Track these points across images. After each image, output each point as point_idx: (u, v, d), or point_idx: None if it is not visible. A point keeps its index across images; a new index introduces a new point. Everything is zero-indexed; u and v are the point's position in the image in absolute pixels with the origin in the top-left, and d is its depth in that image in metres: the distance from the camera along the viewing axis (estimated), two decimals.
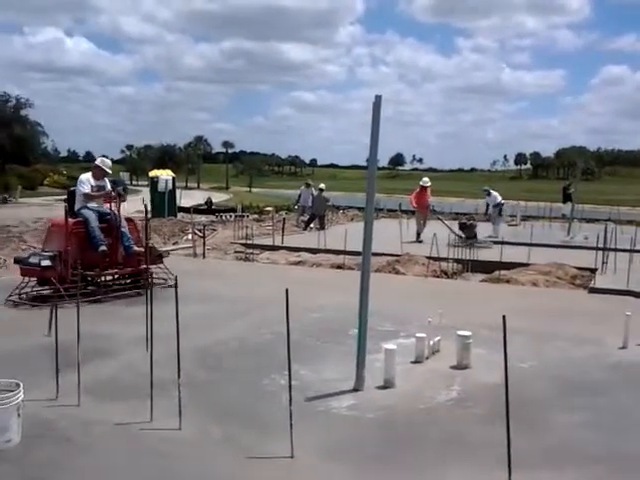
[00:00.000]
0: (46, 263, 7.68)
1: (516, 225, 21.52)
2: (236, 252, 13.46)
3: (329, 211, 21.59)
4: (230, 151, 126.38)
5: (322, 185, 20.66)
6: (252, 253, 12.73)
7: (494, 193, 17.94)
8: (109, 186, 8.64)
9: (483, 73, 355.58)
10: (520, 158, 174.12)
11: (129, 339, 5.95)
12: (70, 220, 7.94)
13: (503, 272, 10.60)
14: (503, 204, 18.13)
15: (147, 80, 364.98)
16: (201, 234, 14.09)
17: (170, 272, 8.64)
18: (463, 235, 14.52)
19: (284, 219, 18.37)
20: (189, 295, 8.22)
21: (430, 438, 4.02)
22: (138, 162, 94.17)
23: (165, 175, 25.65)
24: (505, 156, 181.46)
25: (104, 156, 9.61)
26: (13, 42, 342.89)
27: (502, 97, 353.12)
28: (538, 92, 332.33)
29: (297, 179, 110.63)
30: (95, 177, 8.51)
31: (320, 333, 6.46)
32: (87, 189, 8.37)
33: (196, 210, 23.70)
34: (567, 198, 22.28)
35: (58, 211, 27.82)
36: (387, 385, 4.90)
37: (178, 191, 27.07)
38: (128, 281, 8.71)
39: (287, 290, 3.65)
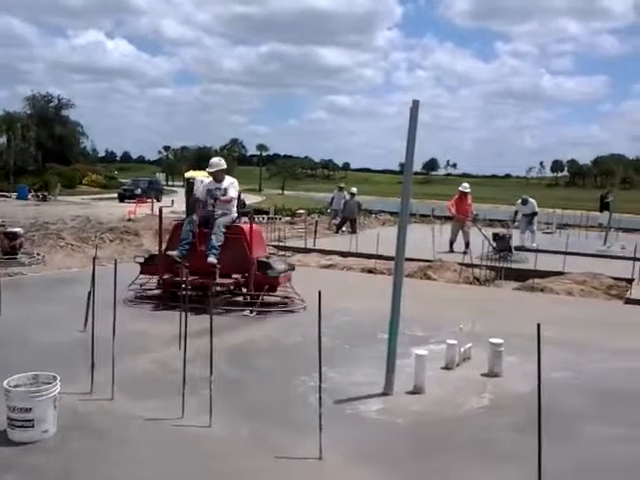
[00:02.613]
0: (140, 260, 8.14)
1: (552, 233, 21.20)
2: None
3: (361, 215, 21.58)
4: (264, 154, 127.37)
5: (354, 189, 20.67)
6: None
7: (532, 201, 16.86)
8: (224, 188, 8.14)
9: (522, 78, 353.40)
10: (557, 165, 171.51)
11: (163, 337, 6.04)
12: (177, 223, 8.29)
13: (537, 280, 10.45)
14: (537, 213, 17.29)
15: (185, 82, 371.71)
16: None
17: (296, 294, 7.88)
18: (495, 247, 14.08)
19: (316, 222, 18.43)
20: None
21: (459, 445, 4.00)
22: (174, 163, 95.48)
23: (201, 176, 25.91)
24: (541, 163, 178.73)
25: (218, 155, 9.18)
26: (57, 44, 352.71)
27: (540, 103, 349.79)
28: (578, 98, 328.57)
29: (330, 182, 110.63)
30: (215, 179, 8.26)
31: (350, 336, 6.47)
32: (197, 194, 8.34)
33: None
34: (604, 207, 21.80)
35: (95, 209, 28.34)
36: (417, 391, 4.88)
37: None
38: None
39: (320, 292, 3.67)
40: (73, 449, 3.68)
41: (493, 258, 12.19)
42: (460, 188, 15.57)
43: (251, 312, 7.37)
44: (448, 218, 18.85)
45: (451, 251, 14.26)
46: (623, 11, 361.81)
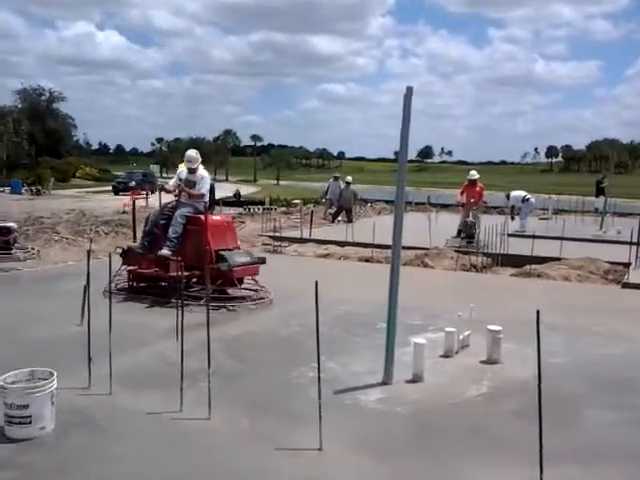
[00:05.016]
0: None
1: (548, 219, 21.20)
2: (264, 244, 13.51)
3: (357, 204, 21.51)
4: (258, 144, 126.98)
5: (349, 178, 20.58)
6: (280, 245, 12.76)
7: (514, 194, 16.66)
8: (196, 180, 8.02)
9: (515, 64, 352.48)
10: (551, 151, 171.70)
11: (160, 329, 6.01)
12: None
13: (534, 266, 10.44)
14: (529, 198, 17.06)
15: (177, 73, 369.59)
16: None
17: (261, 287, 7.75)
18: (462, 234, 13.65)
19: (312, 212, 18.37)
20: None
21: (459, 433, 3.99)
22: (168, 155, 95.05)
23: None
24: (536, 149, 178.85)
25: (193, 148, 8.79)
26: (46, 36, 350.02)
27: (534, 89, 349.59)
28: (571, 83, 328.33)
29: (325, 172, 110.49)
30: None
31: (348, 326, 6.45)
32: (170, 182, 8.37)
33: (225, 202, 23.82)
34: (600, 192, 21.82)
35: (90, 203, 28.16)
36: (416, 379, 4.87)
37: None
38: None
39: (317, 282, 3.65)
40: (71, 445, 3.66)
41: (461, 245, 11.99)
42: (468, 177, 15.22)
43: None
44: (444, 206, 18.75)
45: (459, 237, 13.87)
46: None
